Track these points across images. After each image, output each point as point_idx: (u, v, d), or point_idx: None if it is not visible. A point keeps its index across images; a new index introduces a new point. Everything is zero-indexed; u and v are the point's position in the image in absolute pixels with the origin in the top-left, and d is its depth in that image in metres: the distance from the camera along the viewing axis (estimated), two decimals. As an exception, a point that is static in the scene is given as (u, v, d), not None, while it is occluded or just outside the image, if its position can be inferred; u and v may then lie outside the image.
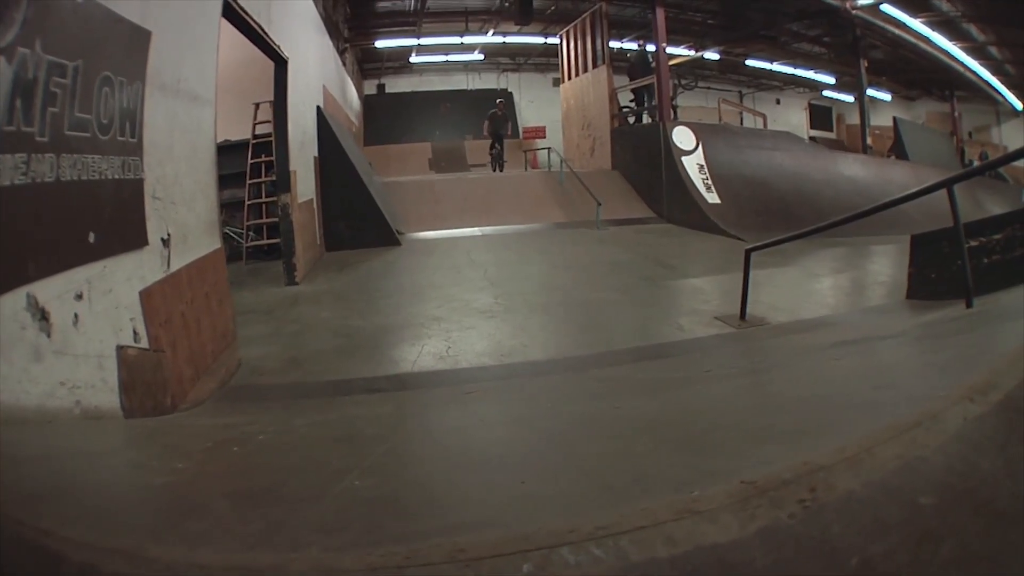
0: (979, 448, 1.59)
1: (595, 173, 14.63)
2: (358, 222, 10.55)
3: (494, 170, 17.67)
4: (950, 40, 18.47)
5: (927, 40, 18.16)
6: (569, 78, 17.90)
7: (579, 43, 16.85)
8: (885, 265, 8.81)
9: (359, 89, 21.81)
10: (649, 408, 3.38)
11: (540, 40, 21.10)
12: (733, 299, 6.37)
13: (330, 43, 13.07)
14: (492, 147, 18.22)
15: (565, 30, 17.75)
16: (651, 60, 15.57)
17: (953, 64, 19.94)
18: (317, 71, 10.91)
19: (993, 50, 19.84)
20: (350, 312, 6.90)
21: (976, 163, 18.15)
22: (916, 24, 17.07)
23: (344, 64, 16.00)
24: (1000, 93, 23.44)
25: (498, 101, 18.34)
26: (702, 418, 2.97)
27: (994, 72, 21.89)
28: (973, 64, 20.43)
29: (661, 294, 7.79)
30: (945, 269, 5.61)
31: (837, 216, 5.95)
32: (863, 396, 2.73)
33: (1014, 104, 24.14)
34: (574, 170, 13.68)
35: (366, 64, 23.48)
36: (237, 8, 5.69)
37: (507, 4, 17.74)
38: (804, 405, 2.85)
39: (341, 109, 13.98)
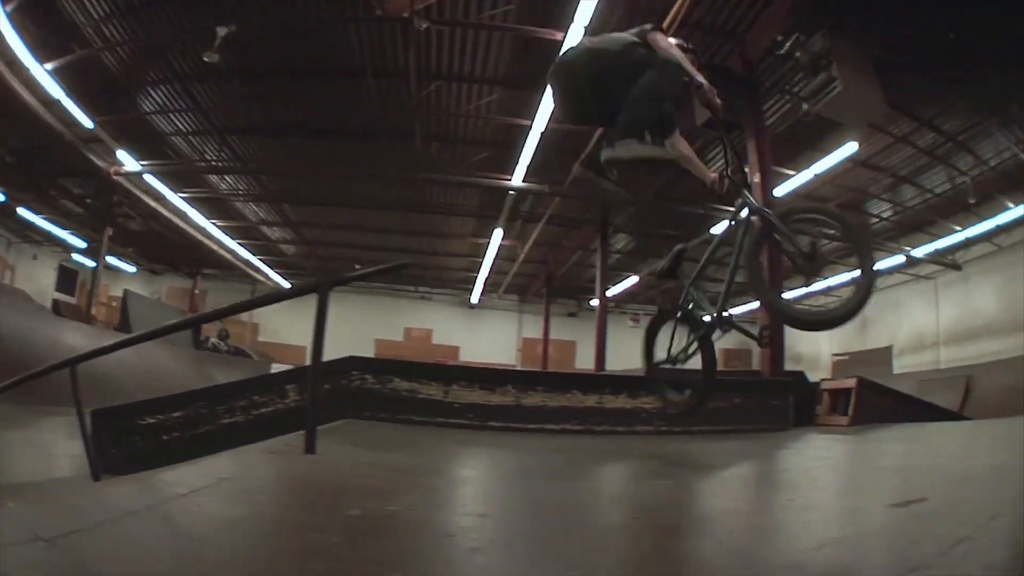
0: None
1: None
2: None
3: None
4: (209, 218, 21.73)
5: (184, 216, 20.98)
6: None
7: None
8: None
9: None
10: None
11: None
12: None
13: None
14: None
15: None
16: None
17: (207, 242, 23.27)
18: None
19: (269, 230, 24.26)
20: None
21: (214, 340, 21.56)
22: (175, 198, 19.65)
23: None
24: (263, 272, 28.06)
25: None
26: None
27: (260, 252, 26.34)
28: (231, 243, 24.28)
29: None
30: (127, 444, 6.03)
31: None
32: None
33: (279, 282, 28.91)
34: None
35: None
36: None
37: None
38: None
39: None
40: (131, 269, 29.91)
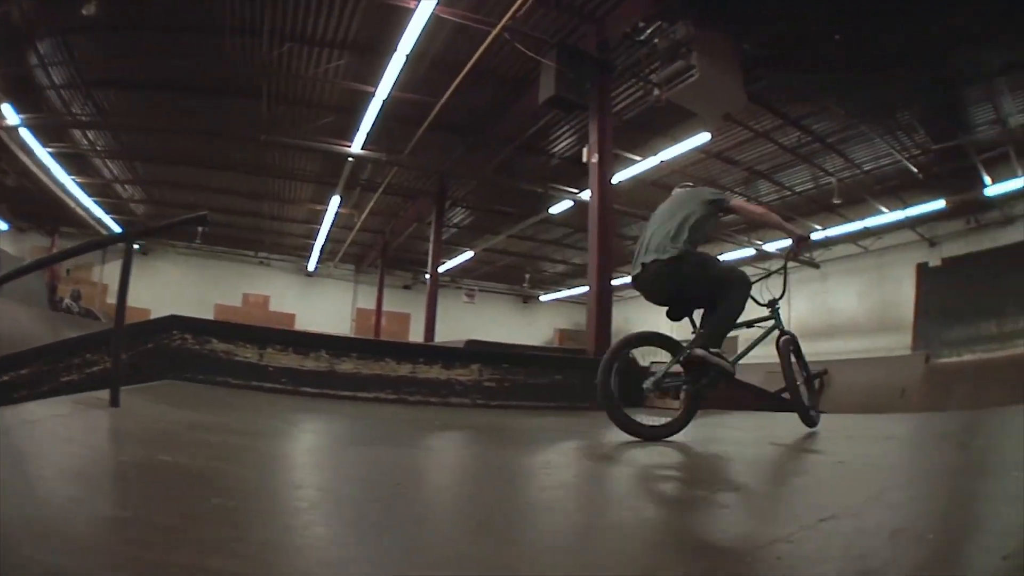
0: None
1: None
2: None
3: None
4: (70, 174, 21.07)
5: (47, 171, 20.20)
6: None
7: None
8: None
9: None
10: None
11: None
12: None
13: None
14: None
15: None
16: None
17: (66, 199, 22.55)
18: None
19: (121, 188, 23.71)
20: None
21: (68, 301, 20.99)
22: (42, 153, 19.01)
23: None
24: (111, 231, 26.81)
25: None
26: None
27: (113, 211, 25.86)
28: (86, 201, 23.70)
29: None
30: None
31: None
32: None
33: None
34: None
35: None
36: None
37: None
38: None
39: None
40: (3, 227, 28.78)
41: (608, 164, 11.18)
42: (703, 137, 14.40)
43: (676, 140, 14.79)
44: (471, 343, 9.59)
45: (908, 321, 21.10)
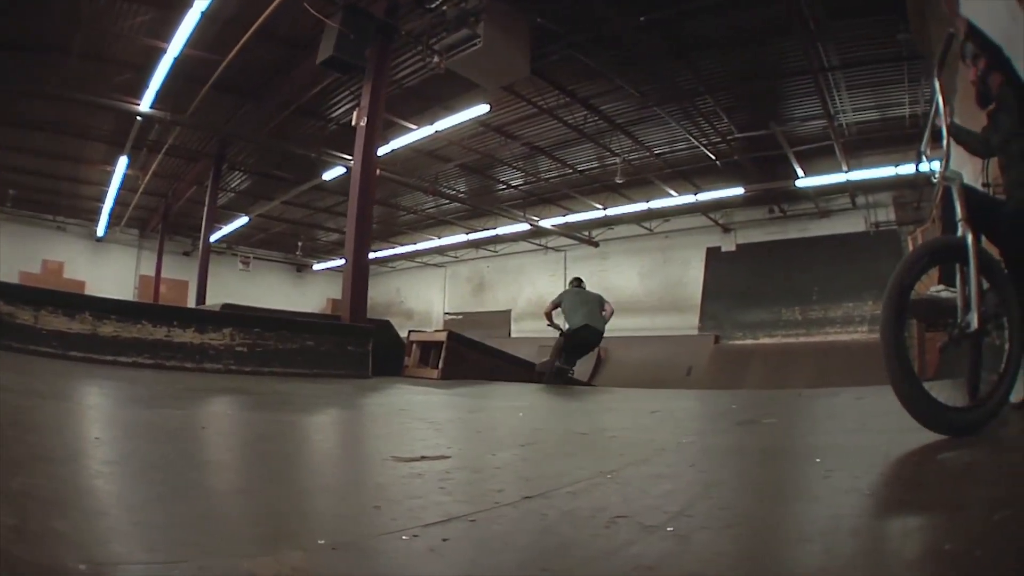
0: None
1: None
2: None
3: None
4: None
5: None
6: None
7: None
8: None
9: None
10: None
11: None
12: None
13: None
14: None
15: None
16: None
17: None
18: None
19: None
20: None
21: None
22: None
23: None
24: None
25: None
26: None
27: None
28: None
29: None
30: None
31: None
32: None
33: None
34: None
35: None
36: None
37: None
38: None
39: None
40: None
41: (376, 129, 11.35)
42: (481, 108, 14.59)
43: (455, 111, 14.98)
44: (226, 306, 9.58)
45: (695, 302, 22.48)
